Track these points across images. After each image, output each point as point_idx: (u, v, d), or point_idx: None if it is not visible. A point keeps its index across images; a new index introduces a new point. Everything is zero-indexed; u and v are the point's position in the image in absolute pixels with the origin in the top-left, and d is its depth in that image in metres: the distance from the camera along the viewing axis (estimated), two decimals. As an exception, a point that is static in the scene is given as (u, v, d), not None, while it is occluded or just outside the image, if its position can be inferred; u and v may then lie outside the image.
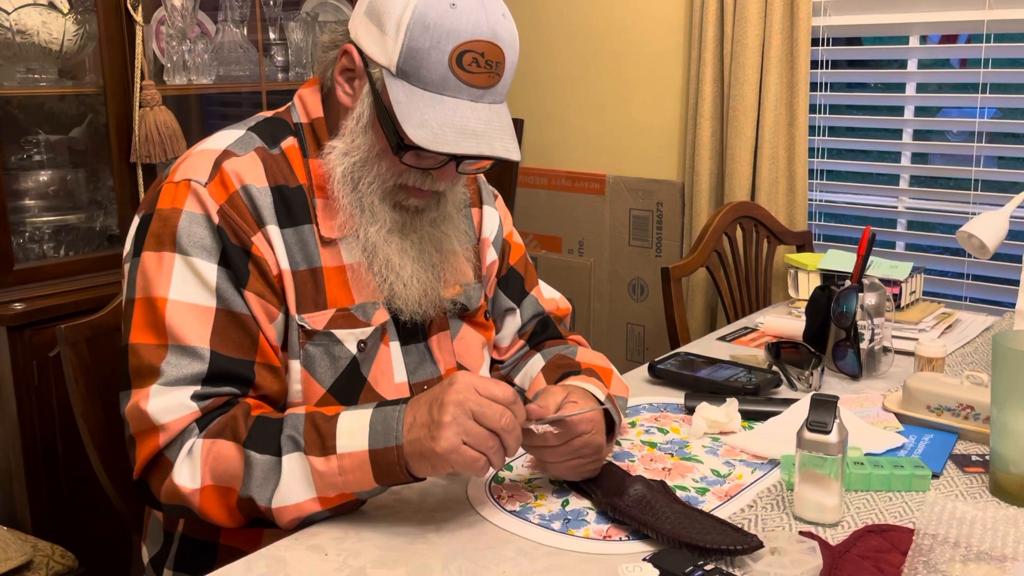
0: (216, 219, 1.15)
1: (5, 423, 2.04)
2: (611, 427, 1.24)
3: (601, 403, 1.21)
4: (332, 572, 1.01)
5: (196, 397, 1.12)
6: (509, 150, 1.15)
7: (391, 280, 1.21)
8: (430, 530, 1.09)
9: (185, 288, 1.14)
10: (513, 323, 1.46)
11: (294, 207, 1.21)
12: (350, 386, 1.23)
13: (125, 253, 1.22)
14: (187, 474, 1.10)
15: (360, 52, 1.18)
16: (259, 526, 1.13)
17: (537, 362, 1.41)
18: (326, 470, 1.06)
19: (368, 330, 1.23)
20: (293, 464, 1.07)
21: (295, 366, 1.20)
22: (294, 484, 1.07)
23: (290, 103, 1.30)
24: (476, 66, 1.13)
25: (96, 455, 1.40)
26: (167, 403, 1.11)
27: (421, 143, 1.10)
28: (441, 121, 1.12)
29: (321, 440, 1.07)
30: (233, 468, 1.08)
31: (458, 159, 1.18)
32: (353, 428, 1.07)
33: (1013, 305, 1.68)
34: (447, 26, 1.11)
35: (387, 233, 1.21)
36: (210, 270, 1.14)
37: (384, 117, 1.16)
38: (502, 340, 1.46)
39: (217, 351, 1.13)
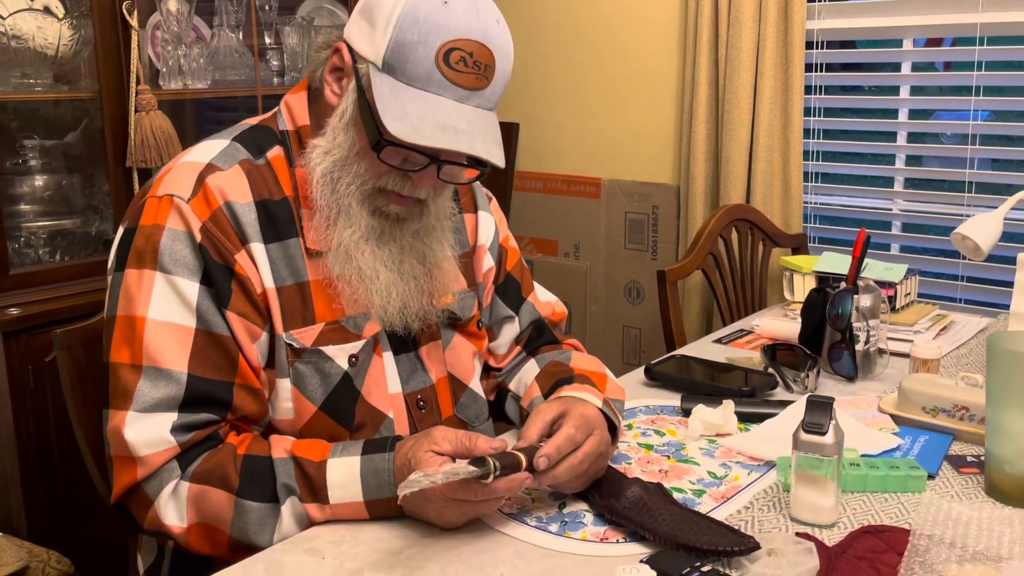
0: (198, 237, 1.13)
1: (1, 428, 2.04)
2: (612, 432, 1.23)
3: (600, 409, 1.20)
4: (329, 575, 1.01)
5: (175, 430, 1.10)
6: (491, 153, 1.12)
7: (363, 290, 1.19)
8: (427, 533, 1.09)
9: (165, 307, 1.12)
10: (511, 330, 1.44)
11: (279, 221, 1.19)
12: (343, 401, 1.21)
13: (109, 266, 1.20)
14: (174, 513, 1.11)
15: (351, 49, 1.16)
16: None
17: (531, 368, 1.41)
18: (321, 516, 1.11)
19: (359, 343, 1.22)
20: (291, 509, 1.10)
21: (284, 385, 1.19)
22: (293, 526, 1.11)
23: (276, 109, 1.27)
24: (463, 65, 1.11)
25: (92, 460, 1.40)
26: (145, 434, 1.10)
27: (399, 135, 1.08)
28: (421, 115, 1.09)
29: (313, 491, 1.10)
30: (223, 513, 1.10)
31: (439, 163, 1.15)
32: (344, 481, 1.10)
33: (1008, 307, 1.68)
34: (437, 22, 1.09)
35: (360, 240, 1.18)
36: (191, 289, 1.13)
37: (366, 112, 1.13)
38: (499, 347, 1.45)
39: (195, 373, 1.12)
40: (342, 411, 1.21)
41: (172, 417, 1.11)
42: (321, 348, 1.19)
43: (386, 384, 1.25)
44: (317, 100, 1.24)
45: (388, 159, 1.14)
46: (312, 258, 1.20)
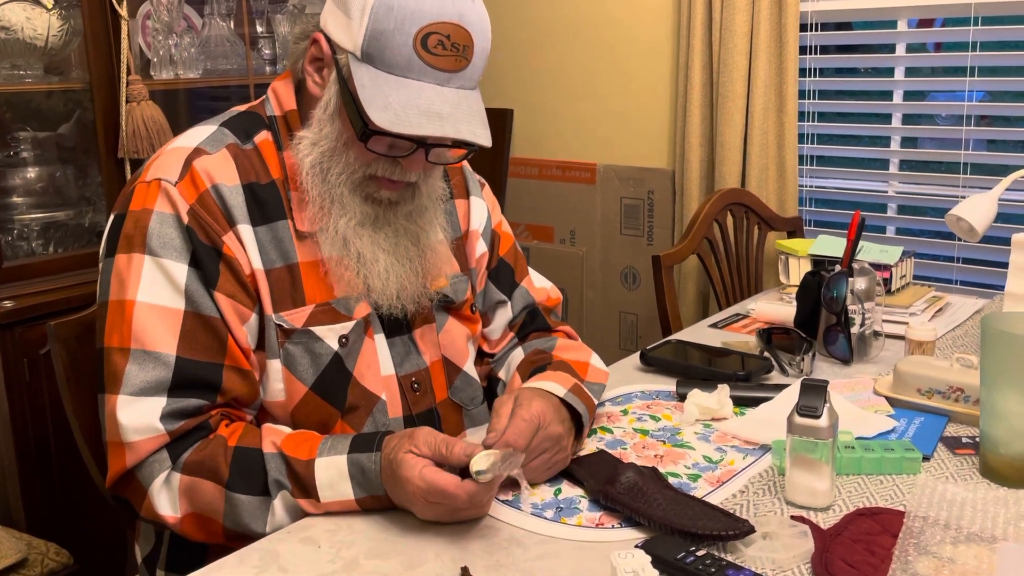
0: (186, 219, 1.14)
1: (-3, 421, 2.04)
2: (579, 421, 1.23)
3: (562, 399, 1.20)
4: (325, 564, 1.01)
5: (165, 417, 1.11)
6: (476, 134, 1.12)
7: (364, 274, 1.20)
8: (422, 522, 1.09)
9: (154, 290, 1.13)
10: (504, 315, 1.45)
11: (267, 204, 1.19)
12: (334, 382, 1.22)
13: (100, 253, 1.21)
14: (167, 503, 1.12)
15: (328, 40, 1.16)
16: None
17: (518, 356, 1.41)
18: (314, 511, 1.11)
19: (349, 324, 1.22)
20: (282, 502, 1.10)
21: (275, 365, 1.19)
22: (286, 517, 1.11)
23: (264, 96, 1.28)
24: (442, 48, 1.11)
25: (88, 452, 1.40)
26: (135, 419, 1.10)
27: (384, 125, 1.08)
28: (405, 103, 1.09)
29: (304, 489, 1.10)
30: (215, 504, 1.10)
31: (427, 147, 1.16)
32: (333, 480, 1.09)
33: (1003, 287, 1.68)
34: (411, 7, 1.09)
35: (357, 226, 1.19)
36: (180, 271, 1.13)
37: (350, 103, 1.14)
38: (493, 333, 1.45)
39: (184, 356, 1.12)
40: (334, 392, 1.22)
41: (161, 402, 1.11)
42: (311, 328, 1.19)
43: (378, 366, 1.25)
44: (302, 90, 1.24)
45: (375, 147, 1.15)
46: (302, 240, 1.20)
